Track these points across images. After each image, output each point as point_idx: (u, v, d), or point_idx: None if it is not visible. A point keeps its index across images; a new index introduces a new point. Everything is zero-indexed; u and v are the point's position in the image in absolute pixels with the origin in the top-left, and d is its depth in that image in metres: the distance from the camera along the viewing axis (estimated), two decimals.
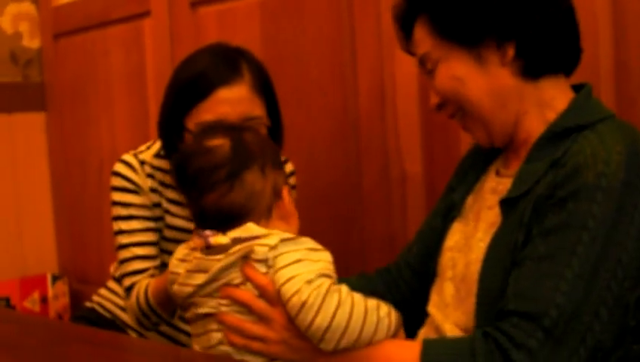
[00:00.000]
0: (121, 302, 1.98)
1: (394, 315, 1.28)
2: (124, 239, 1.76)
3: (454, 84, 1.36)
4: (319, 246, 1.30)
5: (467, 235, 1.43)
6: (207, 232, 1.29)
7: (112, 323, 1.96)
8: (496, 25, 1.31)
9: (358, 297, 1.25)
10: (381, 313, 1.26)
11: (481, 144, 1.43)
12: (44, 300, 2.99)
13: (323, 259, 1.28)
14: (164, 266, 1.69)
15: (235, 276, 1.29)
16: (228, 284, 1.29)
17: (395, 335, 1.29)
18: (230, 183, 1.31)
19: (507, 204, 1.33)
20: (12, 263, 2.95)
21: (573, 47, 1.37)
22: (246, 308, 1.29)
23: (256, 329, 1.28)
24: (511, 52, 1.32)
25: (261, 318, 1.29)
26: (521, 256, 1.27)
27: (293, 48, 2.23)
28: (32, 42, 3.01)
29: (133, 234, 1.75)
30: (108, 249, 2.91)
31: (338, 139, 2.14)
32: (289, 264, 1.26)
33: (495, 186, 1.43)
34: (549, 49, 1.34)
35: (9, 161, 2.94)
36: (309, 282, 1.23)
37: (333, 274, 1.28)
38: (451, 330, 1.38)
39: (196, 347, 1.34)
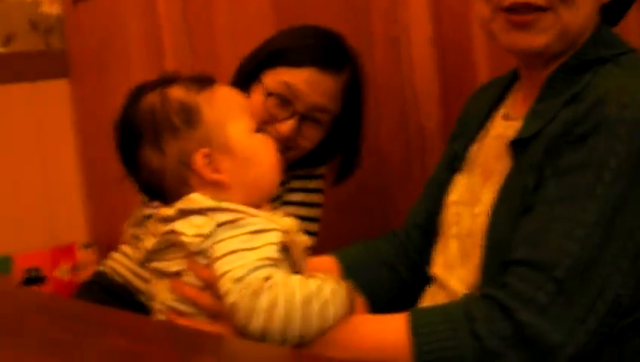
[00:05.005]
0: (134, 267, 1.93)
1: (341, 291, 1.13)
2: None
3: None
4: (268, 226, 1.14)
5: (473, 188, 1.31)
6: (156, 203, 1.22)
7: (123, 288, 1.92)
8: None
9: (293, 287, 1.09)
10: (323, 297, 1.10)
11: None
12: (74, 269, 2.97)
13: (266, 243, 1.12)
14: None
15: (172, 263, 1.17)
16: (166, 273, 1.17)
17: (350, 310, 1.14)
18: (127, 166, 1.22)
19: (517, 147, 1.20)
20: (42, 234, 2.93)
21: None
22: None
23: (211, 329, 1.14)
24: None
25: (211, 315, 1.15)
26: (532, 200, 1.14)
27: None
28: (51, 8, 2.96)
29: None
30: None
31: None
32: (222, 256, 1.11)
33: (502, 131, 1.30)
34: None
35: (34, 129, 2.91)
36: (238, 281, 1.09)
37: (281, 256, 1.14)
38: (457, 286, 1.26)
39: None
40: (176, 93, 1.20)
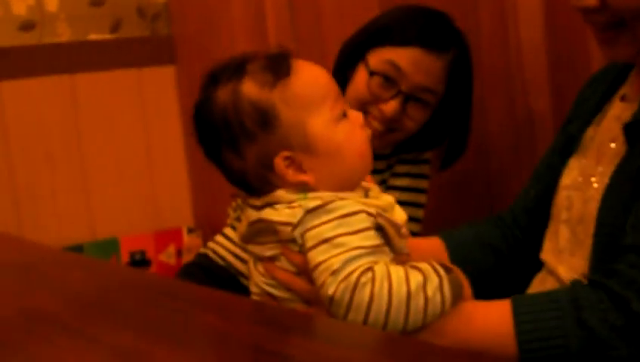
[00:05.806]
0: (236, 250, 1.93)
1: (447, 285, 1.06)
2: None
3: None
4: (357, 207, 1.08)
5: (586, 171, 1.25)
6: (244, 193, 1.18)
7: (224, 270, 1.92)
8: None
9: (397, 280, 1.04)
10: (429, 291, 1.04)
11: (619, 61, 1.25)
12: (179, 253, 3.00)
13: (360, 227, 1.06)
14: None
15: (265, 247, 1.14)
16: (261, 257, 1.15)
17: (457, 299, 1.09)
18: (213, 162, 1.17)
19: (632, 130, 1.14)
20: (147, 218, 2.97)
21: None
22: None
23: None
24: None
25: (305, 300, 1.12)
26: None
27: None
28: None
29: None
30: None
31: None
32: (315, 246, 1.06)
33: (619, 114, 1.24)
34: None
35: (141, 114, 2.95)
36: (335, 273, 1.03)
37: (380, 240, 1.08)
38: (566, 274, 1.21)
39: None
40: (249, 90, 1.11)
